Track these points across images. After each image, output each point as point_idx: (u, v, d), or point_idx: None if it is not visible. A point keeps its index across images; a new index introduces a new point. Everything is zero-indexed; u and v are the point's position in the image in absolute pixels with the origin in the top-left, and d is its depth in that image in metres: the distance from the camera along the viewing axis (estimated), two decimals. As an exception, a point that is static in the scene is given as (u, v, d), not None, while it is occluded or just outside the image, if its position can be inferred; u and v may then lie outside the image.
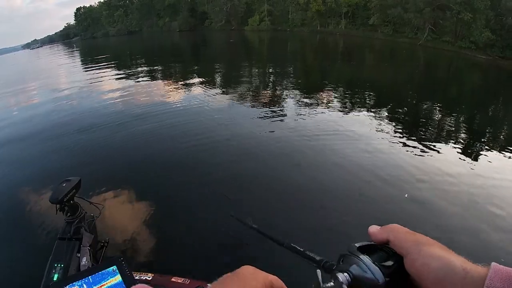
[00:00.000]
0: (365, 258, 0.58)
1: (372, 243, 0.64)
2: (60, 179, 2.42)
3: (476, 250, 4.38)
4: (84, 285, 1.61)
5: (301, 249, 0.71)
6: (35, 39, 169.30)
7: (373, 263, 0.57)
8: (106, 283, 1.65)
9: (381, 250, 0.61)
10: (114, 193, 5.85)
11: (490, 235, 4.87)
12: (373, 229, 0.65)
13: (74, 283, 1.60)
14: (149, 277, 2.26)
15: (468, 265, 0.51)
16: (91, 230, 2.50)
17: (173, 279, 2.26)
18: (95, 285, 1.62)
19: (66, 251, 2.17)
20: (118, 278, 1.68)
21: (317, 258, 0.66)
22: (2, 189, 6.69)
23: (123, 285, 1.67)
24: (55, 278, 1.98)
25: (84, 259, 2.15)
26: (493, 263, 0.48)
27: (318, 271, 0.58)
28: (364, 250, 0.61)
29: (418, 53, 33.43)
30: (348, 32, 48.42)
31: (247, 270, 0.63)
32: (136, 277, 2.04)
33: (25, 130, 10.52)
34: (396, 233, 0.62)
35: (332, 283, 0.56)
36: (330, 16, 52.29)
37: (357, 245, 0.62)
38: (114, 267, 1.71)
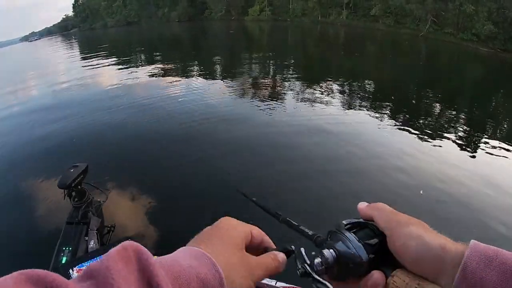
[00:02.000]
0: (350, 235, 0.59)
1: (360, 220, 0.65)
2: (68, 165, 2.48)
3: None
4: None
5: (295, 223, 0.73)
6: (33, 32, 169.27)
7: (358, 241, 0.58)
8: None
9: (367, 228, 0.62)
10: (121, 179, 5.88)
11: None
12: (361, 205, 0.66)
13: (82, 264, 1.63)
14: None
15: (448, 244, 0.51)
16: (98, 215, 2.55)
17: None
18: None
19: (74, 234, 2.18)
20: None
21: (310, 232, 0.68)
22: (11, 174, 6.77)
23: None
24: (63, 261, 1.98)
25: (92, 242, 2.16)
26: (472, 241, 0.49)
27: (302, 249, 0.60)
28: (352, 227, 0.63)
29: (420, 45, 33.25)
30: (349, 23, 48.08)
31: (227, 222, 0.63)
32: None
33: (33, 117, 10.58)
34: (381, 211, 0.63)
35: (319, 259, 0.59)
36: (331, 7, 51.96)
37: (345, 222, 0.63)
38: None
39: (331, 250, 0.60)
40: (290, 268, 0.61)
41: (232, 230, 0.60)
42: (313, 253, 0.61)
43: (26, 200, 5.63)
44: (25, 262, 4.00)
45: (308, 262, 0.58)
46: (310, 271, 0.57)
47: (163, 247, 4.18)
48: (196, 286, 0.45)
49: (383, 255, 0.58)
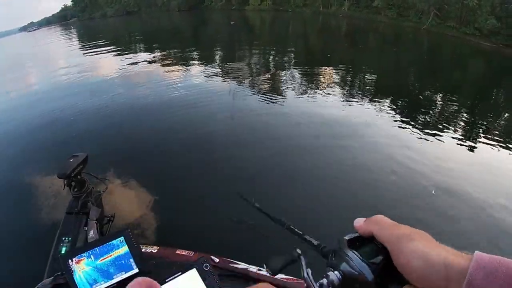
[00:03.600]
0: (353, 255, 0.58)
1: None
2: (67, 155, 2.43)
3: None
4: (91, 256, 1.64)
5: (300, 232, 0.74)
6: (32, 22, 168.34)
7: (362, 260, 0.57)
8: (113, 254, 1.70)
9: (370, 243, 0.61)
10: (121, 169, 5.82)
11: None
12: (358, 223, 0.64)
13: (81, 254, 1.62)
14: (154, 250, 2.24)
15: (451, 258, 0.50)
16: (98, 205, 2.50)
17: (177, 252, 2.24)
18: (102, 256, 1.66)
19: (73, 225, 2.18)
20: (125, 248, 1.73)
21: (315, 242, 0.69)
22: (10, 164, 6.78)
23: (130, 255, 1.72)
24: (63, 251, 1.97)
25: (91, 232, 2.12)
26: (476, 253, 0.48)
27: (309, 270, 0.62)
28: (354, 242, 0.61)
29: (422, 38, 33.14)
30: (351, 14, 47.91)
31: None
32: (142, 249, 2.00)
33: (32, 107, 10.59)
34: (380, 226, 0.61)
35: (325, 281, 0.59)
36: (333, -3, 51.77)
37: (346, 238, 0.62)
38: (122, 238, 1.74)
39: (336, 272, 0.59)
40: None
41: None
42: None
43: (26, 190, 5.58)
44: (25, 252, 4.02)
45: (315, 285, 0.59)
46: None
47: (162, 236, 4.26)
48: None
49: (388, 272, 0.56)
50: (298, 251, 0.67)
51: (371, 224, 0.62)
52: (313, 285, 0.58)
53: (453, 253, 0.51)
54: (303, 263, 0.62)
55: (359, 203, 4.73)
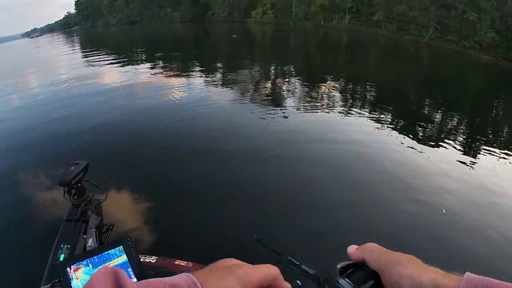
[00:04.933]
0: (345, 282, 0.60)
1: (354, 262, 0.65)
2: (68, 162, 2.42)
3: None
4: (90, 264, 1.62)
5: (297, 262, 0.76)
6: (35, 28, 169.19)
7: (353, 286, 0.59)
8: (112, 263, 1.67)
9: (362, 269, 0.63)
10: (121, 178, 5.84)
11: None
12: (351, 249, 0.66)
13: (80, 262, 1.59)
14: (153, 260, 2.27)
15: (440, 279, 0.51)
16: (98, 213, 2.51)
17: (176, 262, 2.25)
18: (100, 264, 1.64)
19: (72, 232, 2.17)
20: (123, 258, 1.70)
21: (311, 272, 0.71)
22: (11, 171, 6.71)
23: (128, 264, 1.69)
24: (61, 258, 1.97)
25: (90, 240, 2.14)
26: (466, 274, 0.49)
27: None
28: (347, 269, 0.63)
29: (423, 52, 33.31)
30: (352, 28, 48.22)
31: (228, 260, 0.63)
32: (141, 259, 1.97)
33: (33, 114, 10.54)
34: (371, 252, 0.63)
35: None
36: (334, 11, 52.11)
37: (339, 266, 0.64)
38: (120, 247, 1.71)
39: None
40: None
41: (236, 267, 0.57)
42: None
43: (26, 197, 5.58)
44: (23, 258, 4.01)
45: None
46: None
47: (160, 246, 4.21)
48: None
49: None
50: (299, 282, 0.68)
51: (363, 251, 0.64)
52: None
53: (442, 274, 0.52)
54: None
55: (358, 228, 4.62)
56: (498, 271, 3.97)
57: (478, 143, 9.27)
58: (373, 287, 0.59)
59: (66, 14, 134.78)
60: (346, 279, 0.60)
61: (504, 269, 4.06)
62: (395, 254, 0.60)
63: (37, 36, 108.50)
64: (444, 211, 5.28)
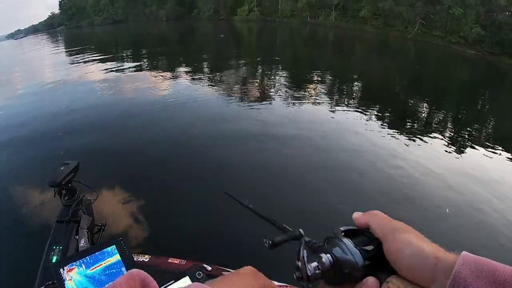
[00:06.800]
0: (347, 241, 0.61)
1: (357, 228, 0.66)
2: (58, 163, 2.43)
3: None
4: (83, 264, 1.64)
5: (291, 230, 0.74)
6: (19, 29, 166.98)
7: (355, 246, 0.60)
8: (105, 262, 1.70)
9: (363, 235, 0.64)
10: (112, 177, 5.81)
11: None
12: (356, 214, 0.67)
13: (73, 263, 1.61)
14: (146, 259, 2.25)
15: (440, 253, 0.53)
16: (89, 213, 2.50)
17: (169, 260, 2.24)
18: (94, 265, 1.66)
19: (64, 233, 2.17)
20: (117, 257, 1.73)
21: (306, 239, 0.68)
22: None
23: (122, 264, 1.72)
24: (53, 260, 1.96)
25: (82, 241, 2.15)
26: (463, 252, 0.50)
27: (304, 251, 0.60)
28: (349, 234, 0.64)
29: (409, 47, 33.59)
30: (338, 24, 48.44)
31: (246, 270, 0.67)
32: (134, 258, 1.99)
33: (20, 115, 10.32)
34: (376, 218, 0.64)
35: (315, 263, 0.60)
36: (320, 8, 52.26)
37: (342, 228, 0.65)
38: (113, 247, 1.74)
39: (328, 255, 0.60)
40: (286, 266, 0.65)
41: (247, 277, 0.63)
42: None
43: (15, 199, 5.52)
44: (15, 261, 3.94)
45: (306, 265, 0.58)
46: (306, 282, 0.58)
47: (153, 245, 4.22)
48: None
49: (379, 261, 0.59)
50: (301, 231, 0.68)
51: (368, 216, 0.64)
52: (306, 267, 0.58)
53: (442, 250, 0.53)
54: (303, 243, 0.62)
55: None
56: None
57: (463, 136, 9.42)
58: (373, 251, 0.59)
59: (50, 14, 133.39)
60: (348, 239, 0.61)
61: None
62: (399, 223, 0.61)
63: (21, 38, 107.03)
64: (447, 211, 5.27)
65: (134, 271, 0.47)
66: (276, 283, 1.95)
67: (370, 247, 0.60)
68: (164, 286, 1.72)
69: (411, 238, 0.56)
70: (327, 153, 7.06)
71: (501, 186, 6.31)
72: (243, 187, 5.52)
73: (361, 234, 0.64)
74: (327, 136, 7.91)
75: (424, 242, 0.55)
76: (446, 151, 7.88)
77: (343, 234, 0.63)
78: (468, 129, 10.16)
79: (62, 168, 2.41)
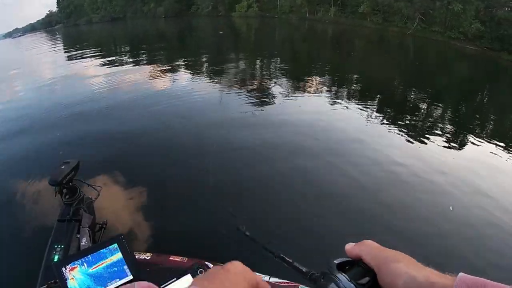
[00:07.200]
0: (342, 277, 0.61)
1: (350, 259, 0.67)
2: (58, 162, 2.43)
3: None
4: (85, 263, 1.63)
5: (289, 260, 0.76)
6: (17, 28, 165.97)
7: (350, 281, 0.60)
8: (107, 261, 1.69)
9: (358, 266, 0.64)
10: (112, 176, 5.73)
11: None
12: (348, 246, 0.68)
13: (75, 261, 1.61)
14: (147, 257, 2.25)
15: (435, 278, 0.53)
16: (90, 212, 2.51)
17: (171, 258, 2.25)
18: (96, 263, 1.66)
19: (65, 232, 2.17)
20: (119, 255, 1.73)
21: (304, 269, 0.71)
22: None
23: (124, 262, 1.72)
24: (55, 259, 1.96)
25: (84, 240, 2.15)
26: (460, 274, 0.50)
27: None
28: (344, 265, 0.64)
29: (408, 43, 33.53)
30: (337, 20, 48.18)
31: (235, 266, 0.65)
32: (136, 256, 1.99)
33: (18, 114, 10.25)
34: (368, 249, 0.64)
35: None
36: (319, 4, 52.06)
37: (336, 261, 0.65)
38: (115, 245, 1.74)
39: None
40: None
41: (238, 275, 0.62)
42: None
43: (17, 198, 5.47)
44: (17, 260, 3.91)
45: None
46: None
47: (155, 243, 4.19)
48: None
49: None
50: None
51: (360, 247, 0.65)
52: None
53: (436, 274, 0.54)
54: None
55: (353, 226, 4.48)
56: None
57: (464, 132, 9.41)
58: (369, 283, 0.60)
59: (48, 12, 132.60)
60: (342, 273, 0.61)
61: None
62: (391, 252, 0.62)
63: (19, 36, 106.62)
64: (451, 208, 5.23)
65: (143, 283, 0.47)
66: (276, 280, 2.07)
67: (365, 280, 0.60)
68: (166, 283, 1.71)
69: (403, 267, 0.57)
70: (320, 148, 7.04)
71: (503, 182, 6.30)
72: (243, 187, 5.52)
73: (355, 265, 0.64)
74: (319, 138, 7.78)
75: (418, 269, 0.56)
76: (445, 146, 7.85)
77: (338, 267, 0.63)
78: (468, 125, 10.14)
79: (63, 167, 2.41)
